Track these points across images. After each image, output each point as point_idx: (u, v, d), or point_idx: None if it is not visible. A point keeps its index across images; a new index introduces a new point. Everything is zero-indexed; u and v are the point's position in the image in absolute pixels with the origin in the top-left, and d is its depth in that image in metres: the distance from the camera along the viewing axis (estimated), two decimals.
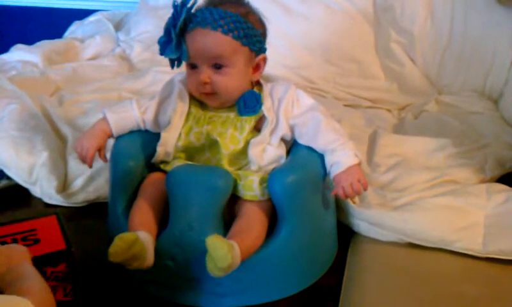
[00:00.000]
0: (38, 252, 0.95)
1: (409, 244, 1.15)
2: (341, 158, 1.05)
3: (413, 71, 1.96)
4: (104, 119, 1.17)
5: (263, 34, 1.11)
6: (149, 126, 1.18)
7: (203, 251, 0.98)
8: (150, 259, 0.98)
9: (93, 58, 2.18)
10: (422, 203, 1.19)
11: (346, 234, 1.22)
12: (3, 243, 0.97)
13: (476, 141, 1.50)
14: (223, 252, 0.90)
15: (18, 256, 0.84)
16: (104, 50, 2.23)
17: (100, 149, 1.15)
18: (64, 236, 1.02)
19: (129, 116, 1.18)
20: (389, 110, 1.86)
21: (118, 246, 0.93)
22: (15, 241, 0.99)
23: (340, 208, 1.22)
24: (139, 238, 0.95)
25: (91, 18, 2.48)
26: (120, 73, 2.03)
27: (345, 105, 1.86)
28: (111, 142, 1.19)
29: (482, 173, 1.35)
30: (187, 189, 1.01)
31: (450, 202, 1.18)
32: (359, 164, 1.06)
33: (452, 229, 1.13)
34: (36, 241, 1.00)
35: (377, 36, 2.04)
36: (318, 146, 1.09)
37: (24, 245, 0.94)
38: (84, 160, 1.14)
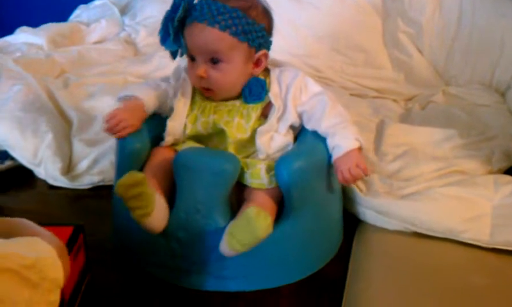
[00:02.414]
0: None
1: (416, 233, 1.15)
2: (341, 141, 1.04)
3: (421, 62, 1.96)
4: (138, 99, 1.10)
5: (267, 28, 1.08)
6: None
7: (209, 234, 0.99)
8: (158, 220, 0.96)
9: (98, 42, 2.19)
10: (429, 192, 1.18)
11: (352, 223, 1.21)
12: None
13: (483, 132, 1.49)
14: (266, 223, 0.92)
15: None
16: (109, 34, 2.24)
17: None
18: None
19: (161, 94, 1.14)
20: (396, 101, 1.86)
21: (125, 179, 0.91)
22: None
23: (347, 196, 1.22)
24: (146, 181, 0.93)
25: (97, 2, 2.49)
26: (125, 57, 2.04)
27: (352, 95, 1.86)
28: None
29: (489, 165, 1.35)
30: (194, 172, 1.00)
31: (458, 192, 1.17)
32: (359, 149, 1.04)
33: (460, 220, 1.12)
34: None
35: (385, 26, 2.04)
36: (321, 129, 1.07)
37: None
38: (112, 129, 1.06)
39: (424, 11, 1.95)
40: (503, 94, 1.82)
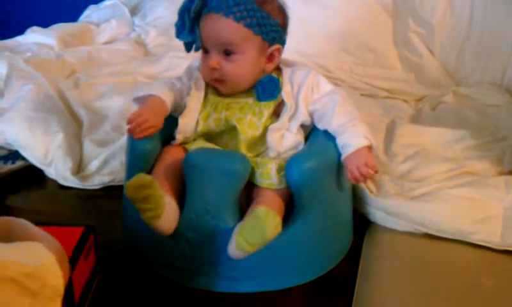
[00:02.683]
0: None
1: (426, 234, 1.14)
2: (350, 140, 1.03)
3: (431, 62, 1.95)
4: (160, 99, 1.10)
5: (282, 25, 1.09)
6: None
7: (219, 235, 0.99)
8: (168, 222, 0.96)
9: (109, 42, 2.20)
10: (440, 193, 1.17)
11: (362, 223, 1.21)
12: None
13: (494, 133, 1.48)
14: (275, 222, 0.91)
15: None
16: (119, 35, 2.25)
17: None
18: (72, 258, 0.92)
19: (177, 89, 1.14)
20: (406, 101, 1.85)
21: (134, 181, 0.91)
22: None
23: (357, 196, 1.21)
24: (155, 183, 0.93)
25: (107, 2, 2.50)
26: (135, 58, 2.05)
27: (362, 95, 1.84)
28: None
29: (500, 166, 1.33)
30: (204, 173, 1.00)
31: (469, 193, 1.17)
32: (369, 147, 1.03)
33: (471, 221, 1.12)
34: None
35: (396, 25, 2.03)
36: (332, 128, 1.07)
37: None
38: (136, 129, 1.05)
39: (435, 11, 1.94)
40: None
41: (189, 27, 1.05)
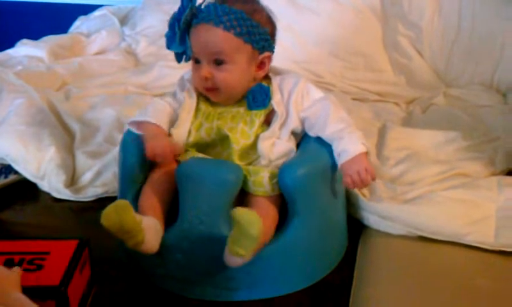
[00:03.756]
0: (33, 281, 0.90)
1: (420, 237, 1.14)
2: (348, 146, 1.04)
3: (421, 64, 1.96)
4: (149, 123, 1.12)
5: (271, 33, 1.10)
6: None
7: (213, 244, 0.98)
8: (151, 243, 0.97)
9: (99, 53, 2.19)
10: (433, 196, 1.18)
11: (356, 228, 1.21)
12: (10, 261, 0.94)
13: (485, 134, 1.49)
14: (254, 217, 0.90)
15: (7, 283, 0.80)
16: (110, 45, 2.24)
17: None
18: (67, 271, 0.93)
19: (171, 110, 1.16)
20: (397, 104, 1.85)
21: (109, 209, 0.91)
22: (20, 261, 0.94)
23: (350, 201, 1.21)
24: (129, 209, 0.92)
25: (96, 13, 2.48)
26: (126, 68, 2.04)
27: (353, 99, 1.85)
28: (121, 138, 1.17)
29: (493, 166, 1.34)
30: (197, 183, 1.00)
31: (462, 195, 1.17)
32: (366, 153, 1.05)
33: (464, 223, 1.12)
34: (40, 267, 0.94)
35: (385, 29, 2.04)
36: (326, 135, 1.08)
37: (26, 268, 0.92)
38: (165, 158, 1.07)
39: (423, 14, 1.95)
40: (504, 95, 1.81)
41: (180, 38, 1.06)
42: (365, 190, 1.23)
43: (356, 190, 1.21)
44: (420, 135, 1.44)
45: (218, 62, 1.06)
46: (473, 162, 1.35)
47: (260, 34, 1.07)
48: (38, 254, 0.97)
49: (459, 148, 1.41)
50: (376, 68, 1.99)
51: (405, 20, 1.98)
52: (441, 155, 1.37)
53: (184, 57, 1.09)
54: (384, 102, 1.86)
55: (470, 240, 1.11)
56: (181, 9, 1.05)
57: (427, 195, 1.18)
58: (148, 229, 0.96)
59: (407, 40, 1.98)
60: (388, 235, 1.17)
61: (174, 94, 1.17)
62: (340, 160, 1.05)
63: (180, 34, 1.06)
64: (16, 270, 0.86)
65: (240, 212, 0.91)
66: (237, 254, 0.92)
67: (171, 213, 1.05)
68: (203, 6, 1.06)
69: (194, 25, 1.06)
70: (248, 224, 0.89)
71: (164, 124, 1.12)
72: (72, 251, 0.98)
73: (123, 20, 2.43)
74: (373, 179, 1.03)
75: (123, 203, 0.92)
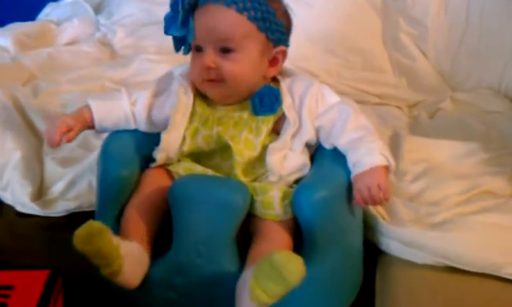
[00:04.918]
0: None
1: (449, 267, 1.00)
2: (363, 157, 0.90)
3: (425, 65, 1.85)
4: (87, 106, 1.02)
5: (286, 27, 0.98)
6: (141, 122, 1.03)
7: (213, 283, 0.85)
8: (131, 275, 0.84)
9: (71, 43, 2.05)
10: (464, 220, 1.05)
11: (370, 252, 1.06)
12: None
13: (505, 146, 1.38)
14: (298, 266, 0.74)
15: None
16: (82, 35, 2.10)
17: (71, 130, 0.99)
18: None
19: (117, 105, 1.03)
20: (399, 108, 1.73)
21: (82, 231, 0.80)
22: None
23: (367, 224, 1.07)
24: (106, 233, 0.80)
25: None
26: (101, 60, 1.92)
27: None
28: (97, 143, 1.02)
29: None
30: (195, 205, 0.86)
31: (498, 220, 1.05)
32: (386, 167, 0.90)
33: (501, 252, 0.99)
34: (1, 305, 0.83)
35: (385, 25, 1.92)
36: (342, 144, 0.94)
37: None
38: (51, 137, 0.97)
39: (428, 11, 1.84)
40: None
41: (182, 19, 0.92)
42: (383, 212, 1.09)
43: (374, 211, 1.07)
44: (437, 146, 1.32)
45: (225, 51, 0.92)
46: (496, 177, 1.23)
47: (277, 25, 0.94)
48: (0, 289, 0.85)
49: (479, 161, 1.29)
50: (376, 67, 1.88)
51: (407, 15, 1.87)
52: (462, 169, 1.25)
53: (183, 47, 0.95)
54: (386, 105, 1.74)
55: (508, 272, 0.98)
56: None
57: (457, 219, 1.05)
58: (128, 257, 0.82)
59: (409, 38, 1.87)
60: (411, 264, 1.03)
61: (144, 89, 1.04)
62: (353, 172, 0.91)
63: (183, 14, 0.91)
64: None
65: (285, 254, 0.75)
66: (261, 303, 0.75)
67: (161, 240, 0.91)
68: None
69: (200, 6, 0.92)
70: (291, 272, 0.74)
71: (102, 116, 1.01)
72: (42, 284, 0.87)
73: (98, 8, 2.28)
74: (386, 199, 0.88)
75: (97, 226, 0.80)
